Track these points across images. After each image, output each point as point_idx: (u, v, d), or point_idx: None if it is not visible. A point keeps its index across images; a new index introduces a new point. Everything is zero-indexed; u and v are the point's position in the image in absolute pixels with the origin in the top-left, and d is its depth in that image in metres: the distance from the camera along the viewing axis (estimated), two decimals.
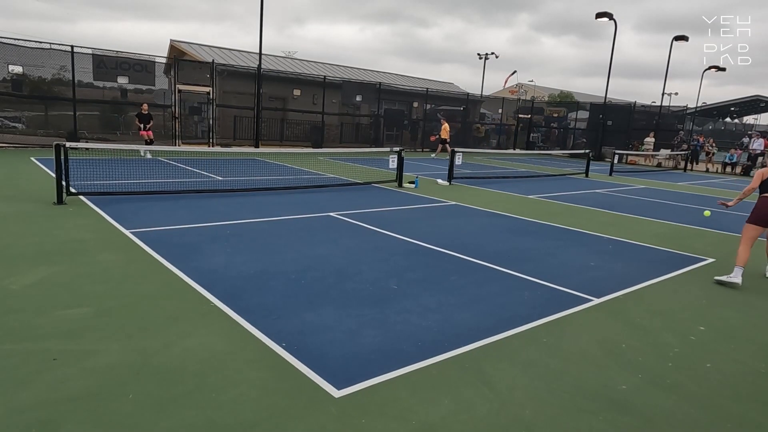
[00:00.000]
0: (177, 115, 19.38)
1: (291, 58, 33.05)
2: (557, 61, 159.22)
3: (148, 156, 15.54)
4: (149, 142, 16.16)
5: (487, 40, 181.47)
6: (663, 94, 37.16)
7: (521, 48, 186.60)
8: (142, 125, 16.28)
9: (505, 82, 51.02)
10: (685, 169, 25.02)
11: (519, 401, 3.13)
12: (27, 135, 17.33)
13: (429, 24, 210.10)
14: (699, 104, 40.46)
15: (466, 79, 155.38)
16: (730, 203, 6.53)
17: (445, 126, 21.84)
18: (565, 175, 18.62)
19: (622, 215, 10.36)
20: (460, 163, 14.10)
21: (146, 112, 16.37)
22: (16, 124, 18.15)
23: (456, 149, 14.31)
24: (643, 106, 31.03)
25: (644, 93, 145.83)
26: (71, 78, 16.78)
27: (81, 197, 8.44)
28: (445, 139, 21.58)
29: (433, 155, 22.39)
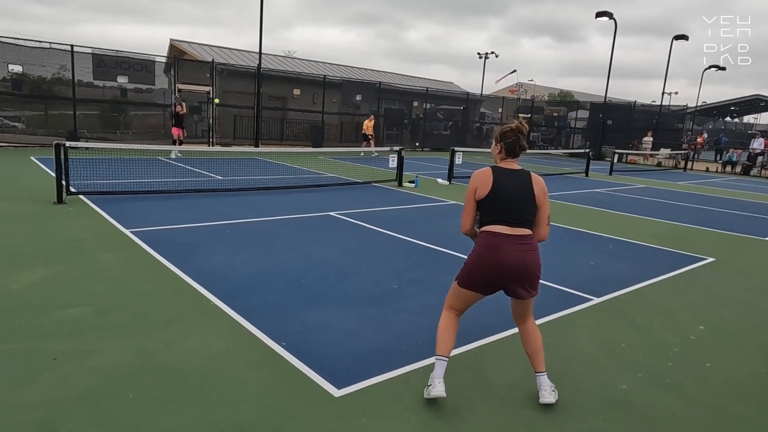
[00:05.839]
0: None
1: (291, 58, 33.02)
2: (536, 62, 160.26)
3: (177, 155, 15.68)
4: (180, 142, 16.51)
5: (466, 42, 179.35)
6: (663, 94, 37.14)
7: (501, 50, 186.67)
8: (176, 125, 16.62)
9: (498, 81, 50.36)
10: (685, 168, 25.01)
11: (519, 401, 3.13)
12: (27, 134, 17.27)
13: (406, 26, 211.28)
14: (691, 103, 40.42)
15: (457, 81, 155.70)
16: None
17: (367, 123, 20.78)
18: (564, 174, 18.62)
19: (622, 214, 10.36)
20: (460, 162, 14.10)
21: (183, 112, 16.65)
22: (16, 124, 18.10)
23: (456, 148, 14.31)
24: (642, 105, 31.01)
25: (633, 93, 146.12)
26: (71, 77, 16.75)
27: (81, 197, 8.43)
28: (368, 135, 20.57)
29: (374, 154, 19.58)
